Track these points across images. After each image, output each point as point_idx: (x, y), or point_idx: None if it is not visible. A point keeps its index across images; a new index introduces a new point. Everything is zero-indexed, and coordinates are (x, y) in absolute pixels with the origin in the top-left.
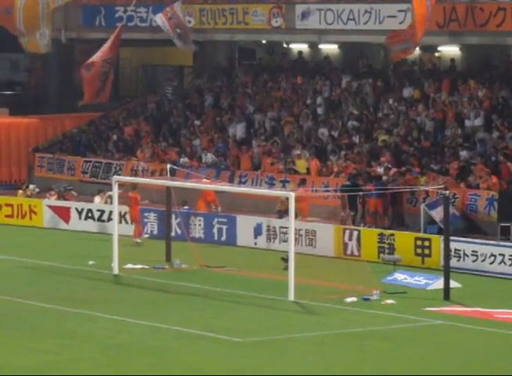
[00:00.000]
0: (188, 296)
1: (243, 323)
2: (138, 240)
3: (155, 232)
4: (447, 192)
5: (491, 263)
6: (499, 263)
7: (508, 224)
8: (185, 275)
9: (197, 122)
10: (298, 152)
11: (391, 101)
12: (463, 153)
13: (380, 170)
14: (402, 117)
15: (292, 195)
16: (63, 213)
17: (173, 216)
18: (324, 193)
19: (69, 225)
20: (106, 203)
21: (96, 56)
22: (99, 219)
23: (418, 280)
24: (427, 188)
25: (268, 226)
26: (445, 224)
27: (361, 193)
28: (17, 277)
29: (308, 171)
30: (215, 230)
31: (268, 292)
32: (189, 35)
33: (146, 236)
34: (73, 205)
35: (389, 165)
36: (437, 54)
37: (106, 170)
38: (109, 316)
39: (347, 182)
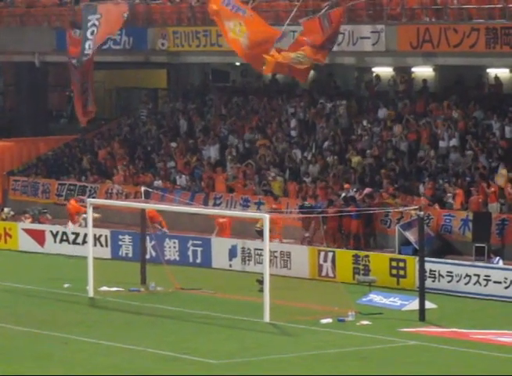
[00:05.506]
0: (163, 318)
1: (218, 344)
2: None
3: (130, 254)
4: (421, 213)
5: (466, 284)
6: (474, 284)
7: (483, 244)
8: (161, 297)
9: (174, 144)
10: (273, 174)
11: (365, 122)
12: (438, 175)
13: (351, 192)
14: (376, 139)
15: (267, 216)
16: (38, 236)
17: (147, 239)
18: (299, 215)
19: (44, 248)
20: (80, 226)
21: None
22: (74, 242)
23: (393, 300)
24: (401, 209)
25: (243, 248)
26: (419, 245)
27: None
28: None
29: (284, 193)
30: (190, 252)
31: (244, 314)
32: None
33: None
34: (48, 228)
35: (355, 189)
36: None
37: (81, 193)
38: (84, 339)
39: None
